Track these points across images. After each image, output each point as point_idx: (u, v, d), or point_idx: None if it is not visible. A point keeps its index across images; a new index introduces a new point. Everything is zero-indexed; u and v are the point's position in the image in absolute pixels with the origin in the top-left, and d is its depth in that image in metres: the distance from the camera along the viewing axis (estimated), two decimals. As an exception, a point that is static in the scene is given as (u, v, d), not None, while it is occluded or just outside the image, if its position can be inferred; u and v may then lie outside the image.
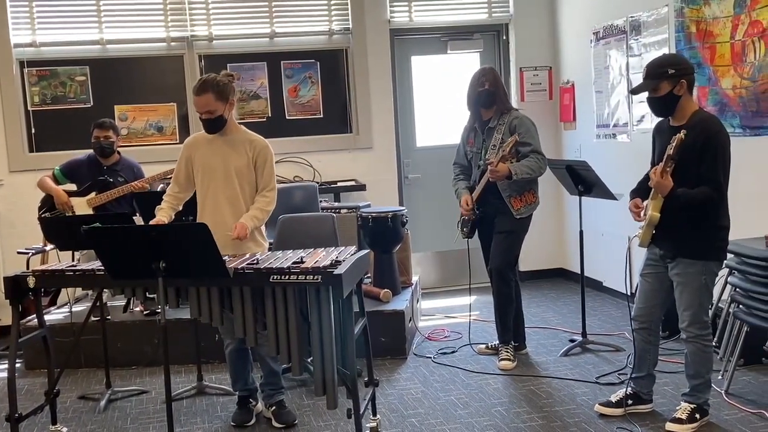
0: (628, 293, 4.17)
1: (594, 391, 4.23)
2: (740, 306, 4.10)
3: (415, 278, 5.78)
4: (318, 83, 6.70)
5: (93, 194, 5.21)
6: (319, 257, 3.38)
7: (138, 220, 4.79)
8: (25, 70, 6.23)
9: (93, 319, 4.71)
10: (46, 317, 4.21)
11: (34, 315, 4.45)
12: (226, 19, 6.52)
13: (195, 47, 6.47)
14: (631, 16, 5.71)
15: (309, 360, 3.57)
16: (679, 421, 3.62)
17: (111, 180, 5.23)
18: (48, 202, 5.26)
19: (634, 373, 3.88)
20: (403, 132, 6.93)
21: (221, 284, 3.26)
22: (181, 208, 4.04)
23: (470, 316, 5.48)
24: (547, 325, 5.62)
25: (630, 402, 3.84)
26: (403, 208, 5.60)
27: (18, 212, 6.07)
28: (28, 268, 4.50)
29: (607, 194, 4.79)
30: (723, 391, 4.01)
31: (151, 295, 3.52)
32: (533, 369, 4.67)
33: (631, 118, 5.80)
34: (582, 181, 4.86)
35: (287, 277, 3.17)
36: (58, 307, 5.64)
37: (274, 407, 3.99)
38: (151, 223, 3.82)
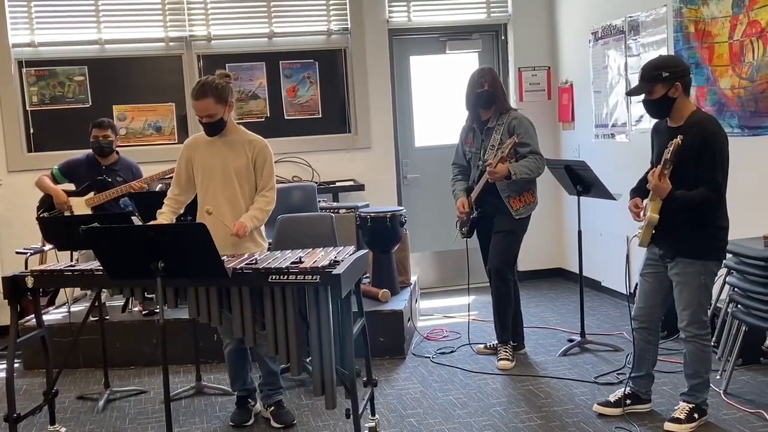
0: (628, 293, 4.17)
1: (592, 390, 4.23)
2: (739, 306, 4.10)
3: (413, 278, 5.78)
4: (316, 83, 6.70)
5: (91, 194, 5.20)
6: (317, 257, 3.38)
7: (137, 220, 4.78)
8: (24, 70, 6.22)
9: (91, 319, 4.71)
10: (45, 317, 4.20)
11: (33, 315, 4.43)
12: (224, 19, 6.52)
13: (193, 47, 6.47)
14: (630, 16, 5.71)
15: (308, 360, 3.58)
16: (677, 420, 3.62)
17: (110, 180, 5.23)
18: (47, 202, 5.25)
19: (633, 372, 3.88)
20: (402, 132, 6.93)
21: (220, 284, 3.26)
22: (182, 211, 4.03)
23: (469, 316, 5.48)
24: (546, 324, 5.62)
25: (628, 402, 3.84)
26: (402, 208, 5.60)
27: (16, 212, 6.06)
28: (26, 268, 4.51)
29: (606, 194, 4.79)
30: (721, 391, 4.01)
31: (150, 295, 3.53)
32: (532, 369, 4.67)
33: (629, 118, 5.80)
34: (580, 181, 4.86)
35: (286, 277, 3.17)
36: (57, 307, 5.62)
37: (272, 407, 3.99)
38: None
